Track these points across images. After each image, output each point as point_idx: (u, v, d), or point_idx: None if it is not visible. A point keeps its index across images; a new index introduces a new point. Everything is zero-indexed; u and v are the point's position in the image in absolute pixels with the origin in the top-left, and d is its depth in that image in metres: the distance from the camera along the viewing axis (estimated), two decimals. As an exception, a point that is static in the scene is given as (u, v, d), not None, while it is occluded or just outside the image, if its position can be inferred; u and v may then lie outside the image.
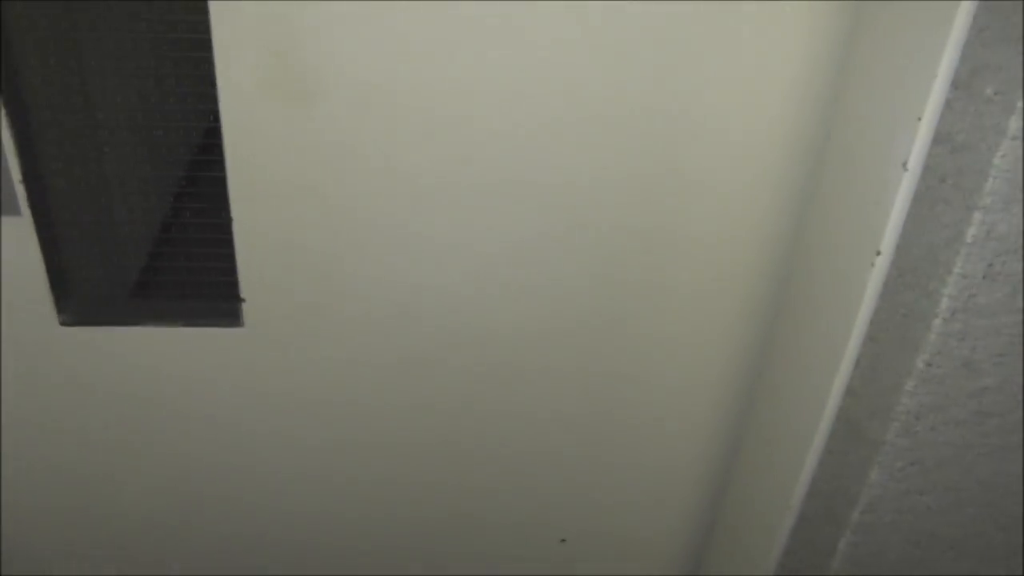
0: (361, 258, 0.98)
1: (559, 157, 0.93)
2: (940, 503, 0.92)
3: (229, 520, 1.19)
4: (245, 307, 0.98)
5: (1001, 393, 0.84)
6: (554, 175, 0.94)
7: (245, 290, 0.97)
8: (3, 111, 0.86)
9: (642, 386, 1.12)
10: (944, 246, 0.76)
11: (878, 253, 0.83)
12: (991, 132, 0.70)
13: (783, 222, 0.99)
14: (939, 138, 0.77)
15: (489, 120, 0.90)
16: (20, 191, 0.90)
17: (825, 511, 0.97)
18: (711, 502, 1.24)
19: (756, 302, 1.05)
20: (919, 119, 0.77)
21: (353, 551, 1.24)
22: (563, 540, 1.24)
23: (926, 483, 0.90)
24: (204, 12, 0.82)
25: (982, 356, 0.81)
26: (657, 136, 0.93)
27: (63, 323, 0.98)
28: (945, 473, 0.89)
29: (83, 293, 0.98)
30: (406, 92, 0.88)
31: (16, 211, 0.91)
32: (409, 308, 1.02)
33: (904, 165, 0.79)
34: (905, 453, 0.86)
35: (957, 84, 0.75)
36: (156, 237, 1.00)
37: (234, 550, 1.22)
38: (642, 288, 1.04)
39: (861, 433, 0.89)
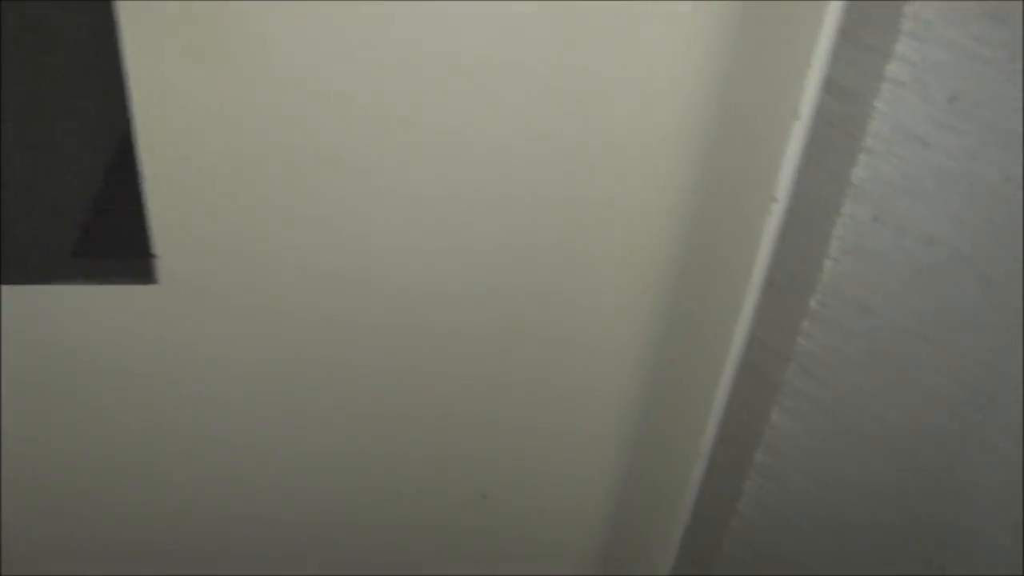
0: (278, 220, 0.98)
1: (476, 121, 0.95)
2: (840, 443, 0.95)
3: (152, 482, 1.19)
4: (159, 264, 0.99)
5: (892, 333, 0.87)
6: (467, 138, 0.96)
7: (159, 247, 0.97)
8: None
9: (555, 345, 1.15)
10: (834, 190, 0.79)
11: (774, 200, 0.86)
12: (872, 78, 0.73)
13: (687, 178, 1.02)
14: (828, 86, 0.80)
15: (408, 82, 0.92)
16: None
17: (732, 456, 1.00)
18: (628, 456, 1.27)
19: (664, 260, 1.08)
20: (808, 69, 0.80)
21: (268, 512, 1.24)
22: (483, 496, 1.26)
23: (826, 423, 0.93)
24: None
25: (873, 297, 0.84)
26: (564, 97, 0.95)
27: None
28: (843, 412, 0.93)
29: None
30: (318, 54, 0.89)
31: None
32: (325, 269, 1.03)
33: (796, 113, 0.82)
34: (802, 393, 0.90)
35: (844, 34, 0.78)
36: (69, 196, 1.00)
37: (154, 508, 1.22)
38: (555, 249, 1.06)
39: (762, 376, 0.92)
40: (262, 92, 0.90)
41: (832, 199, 0.79)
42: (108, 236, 0.99)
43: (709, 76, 0.95)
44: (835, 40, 0.78)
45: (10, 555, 1.18)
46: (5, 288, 0.98)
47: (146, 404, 1.11)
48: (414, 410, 1.17)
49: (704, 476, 1.06)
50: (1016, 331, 0.88)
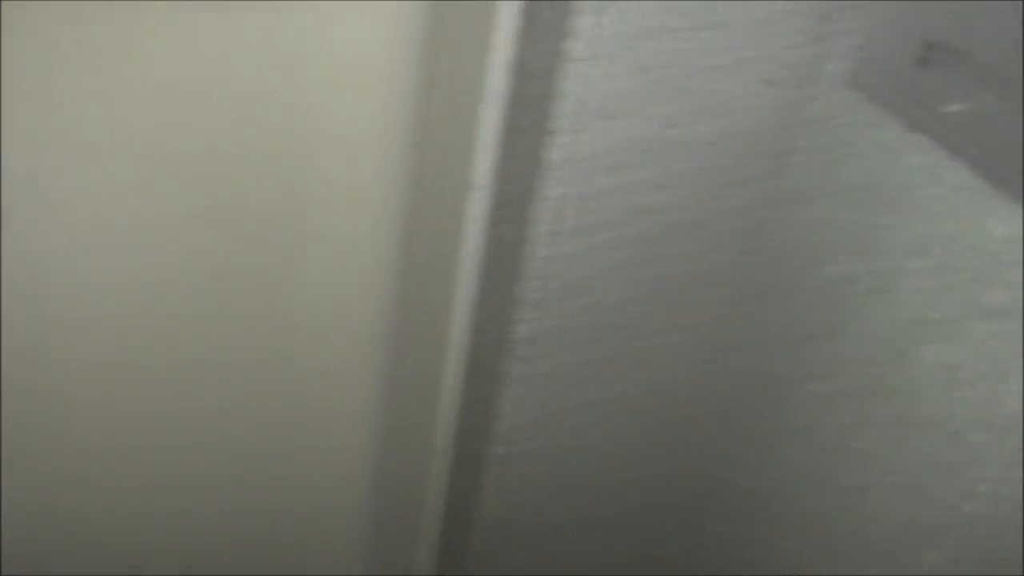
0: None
1: (181, 120, 0.88)
2: (578, 420, 0.95)
3: None
4: None
5: (611, 307, 0.87)
6: (173, 136, 0.89)
7: None
8: None
9: (287, 351, 1.09)
10: (530, 174, 0.77)
11: (476, 188, 0.84)
12: (553, 56, 0.72)
13: (395, 171, 0.98)
14: (514, 69, 0.78)
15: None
16: None
17: (470, 450, 0.98)
18: (377, 459, 1.23)
19: (384, 257, 1.04)
20: (493, 51, 0.78)
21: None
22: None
23: (560, 403, 0.92)
24: None
25: (584, 275, 0.84)
26: (264, 93, 0.89)
27: None
28: (576, 391, 0.92)
29: None
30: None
31: None
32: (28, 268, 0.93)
33: (486, 97, 0.80)
34: (528, 380, 0.88)
35: (525, 14, 0.76)
36: None
37: None
38: (275, 251, 1.00)
39: (487, 368, 0.90)
40: None
41: (531, 182, 0.78)
42: None
43: (406, 67, 0.91)
44: (517, 21, 0.76)
45: None
46: None
47: None
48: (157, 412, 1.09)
49: (449, 473, 1.04)
50: (734, 286, 0.90)
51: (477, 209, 0.84)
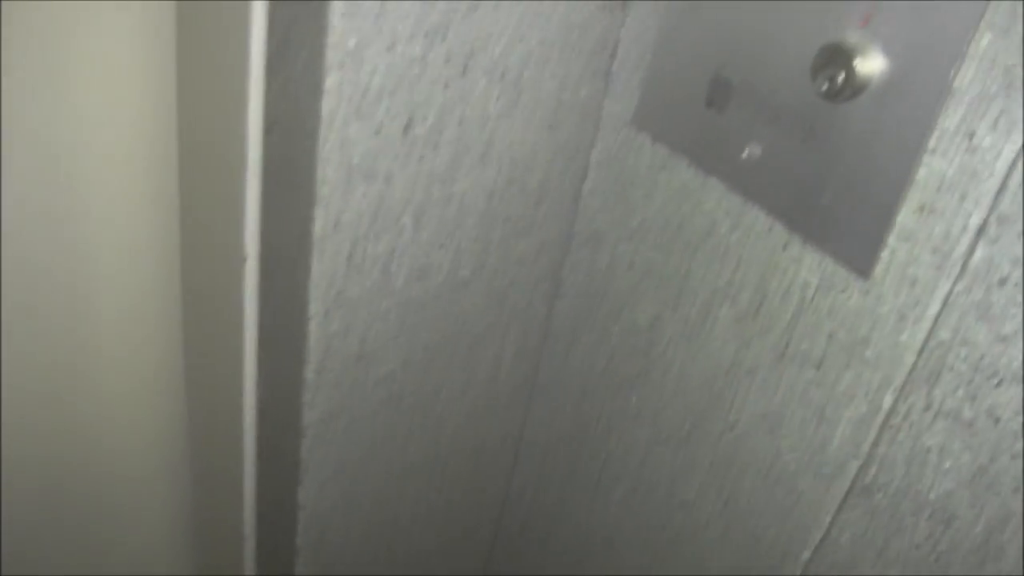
0: None
1: None
2: (380, 494, 0.87)
3: None
4: None
5: (409, 371, 0.80)
6: None
7: None
8: None
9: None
10: (298, 245, 0.69)
11: (245, 259, 0.74)
12: (309, 116, 0.63)
13: (165, 237, 0.87)
14: (269, 127, 0.69)
15: None
16: None
17: (272, 537, 0.89)
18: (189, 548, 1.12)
19: (168, 328, 0.94)
20: (246, 106, 0.69)
21: None
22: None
23: (355, 483, 0.84)
24: None
25: (373, 345, 0.76)
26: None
27: None
28: (375, 463, 0.84)
29: None
30: None
31: None
32: None
33: (245, 160, 0.71)
34: (326, 463, 0.80)
35: (271, 65, 0.67)
36: None
37: None
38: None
39: (282, 453, 0.81)
40: None
41: (299, 253, 0.69)
42: None
43: (161, 132, 0.81)
44: (266, 78, 0.67)
45: None
46: None
47: None
48: None
49: (255, 560, 0.94)
50: (538, 333, 0.85)
51: (251, 281, 0.74)
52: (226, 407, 0.84)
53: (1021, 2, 0.47)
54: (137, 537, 1.08)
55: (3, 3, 0.69)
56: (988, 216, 0.51)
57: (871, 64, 0.53)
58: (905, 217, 0.55)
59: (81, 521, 1.02)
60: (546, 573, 0.95)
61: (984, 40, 0.49)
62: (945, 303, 0.54)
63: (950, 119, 0.51)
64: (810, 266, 0.61)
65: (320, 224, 0.66)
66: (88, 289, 0.87)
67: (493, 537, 1.01)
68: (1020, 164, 0.49)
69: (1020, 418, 0.52)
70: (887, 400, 0.59)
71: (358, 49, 0.60)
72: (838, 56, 0.54)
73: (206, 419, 0.93)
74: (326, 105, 0.62)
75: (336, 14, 0.58)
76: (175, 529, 1.10)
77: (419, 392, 0.81)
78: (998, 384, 0.52)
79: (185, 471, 1.04)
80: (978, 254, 0.52)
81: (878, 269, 0.57)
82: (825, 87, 0.54)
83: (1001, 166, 0.49)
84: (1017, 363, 0.51)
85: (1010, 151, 0.49)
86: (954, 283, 0.53)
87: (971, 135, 0.50)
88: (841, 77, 0.54)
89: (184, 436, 1.01)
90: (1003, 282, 0.51)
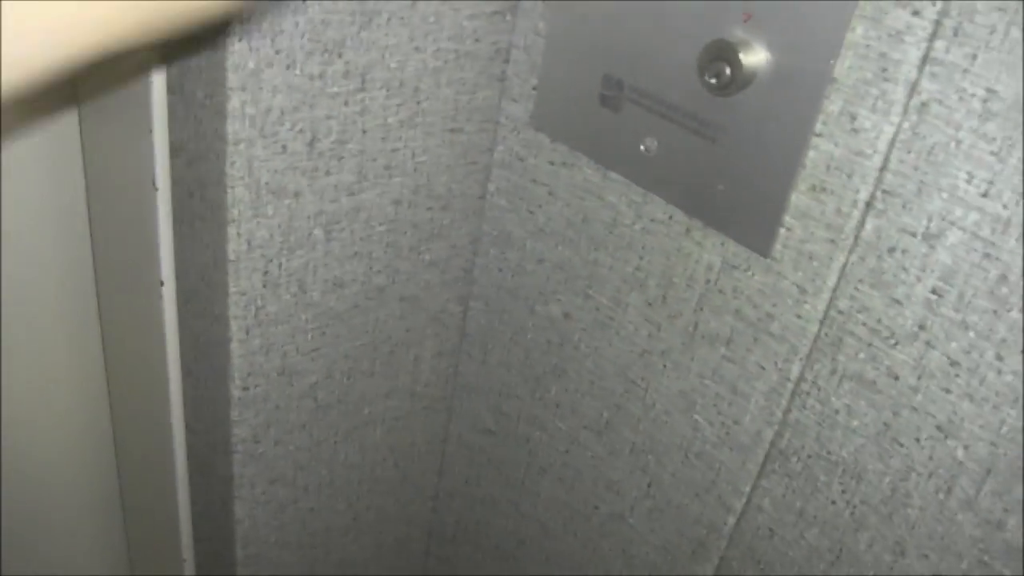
0: None
1: None
2: (314, 503, 0.88)
3: None
4: None
5: (332, 381, 0.80)
6: None
7: None
8: None
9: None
10: (213, 266, 0.69)
11: (161, 283, 0.74)
12: (214, 139, 0.63)
13: (80, 263, 0.86)
14: (175, 150, 0.69)
15: None
16: None
17: (210, 554, 0.89)
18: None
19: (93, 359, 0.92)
20: (151, 131, 0.69)
21: None
22: None
23: (289, 495, 0.85)
24: None
25: (296, 358, 0.76)
26: None
27: None
28: (306, 474, 0.85)
29: None
30: None
31: None
32: None
33: (153, 183, 0.71)
34: (261, 477, 0.80)
35: (172, 88, 0.67)
36: None
37: None
38: None
39: (213, 471, 0.81)
40: None
41: (215, 276, 0.69)
42: None
43: (68, 160, 0.80)
44: (169, 102, 0.67)
45: None
46: None
47: None
48: None
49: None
50: (456, 335, 0.86)
51: (169, 306, 0.74)
52: (155, 431, 0.84)
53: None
54: (75, 566, 1.06)
55: None
56: (874, 191, 0.54)
57: (756, 57, 0.56)
58: (799, 197, 0.58)
59: (15, 555, 1.00)
60: (484, 570, 0.97)
61: (859, 30, 0.52)
62: (842, 274, 0.58)
63: (834, 104, 0.54)
64: (712, 249, 0.64)
65: (234, 245, 0.67)
66: (3, 324, 0.85)
67: (427, 538, 1.02)
68: (898, 141, 0.53)
69: (917, 373, 0.56)
70: (795, 369, 0.62)
71: (257, 70, 0.61)
72: (724, 51, 0.56)
73: (136, 446, 0.92)
74: (231, 127, 0.62)
75: (234, 37, 0.59)
76: (113, 556, 1.08)
77: (344, 401, 0.82)
78: (895, 344, 0.56)
79: (116, 498, 1.03)
80: (868, 226, 0.55)
81: (777, 247, 0.60)
82: (714, 81, 0.57)
83: (882, 144, 0.53)
84: (911, 323, 0.55)
85: (889, 130, 0.53)
86: (848, 255, 0.57)
87: (853, 117, 0.54)
88: (728, 71, 0.56)
89: (113, 463, 1.00)
90: (892, 250, 0.55)
